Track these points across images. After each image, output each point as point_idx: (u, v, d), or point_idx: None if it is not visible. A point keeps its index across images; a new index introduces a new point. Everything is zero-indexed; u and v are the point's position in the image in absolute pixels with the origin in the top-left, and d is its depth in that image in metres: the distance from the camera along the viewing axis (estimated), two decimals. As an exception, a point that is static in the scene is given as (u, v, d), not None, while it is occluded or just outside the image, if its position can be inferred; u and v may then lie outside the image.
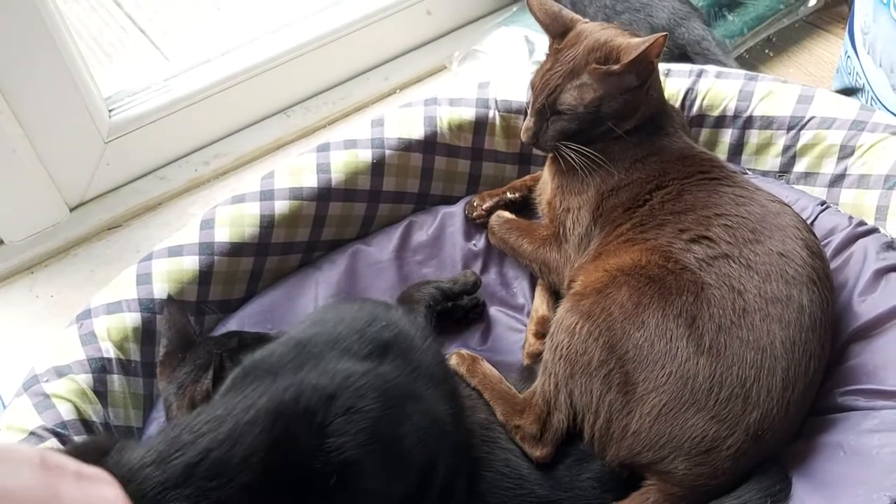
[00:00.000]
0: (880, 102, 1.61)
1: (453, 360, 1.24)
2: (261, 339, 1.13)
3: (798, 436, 1.14)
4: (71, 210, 1.82)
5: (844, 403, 1.15)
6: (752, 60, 2.03)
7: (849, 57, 1.72)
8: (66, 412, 1.14)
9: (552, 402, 1.14)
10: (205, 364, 1.10)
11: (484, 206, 1.49)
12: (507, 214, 1.46)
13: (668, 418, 1.07)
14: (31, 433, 1.11)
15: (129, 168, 1.87)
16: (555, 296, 1.37)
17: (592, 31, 1.29)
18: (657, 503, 1.08)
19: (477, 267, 1.48)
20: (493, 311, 1.45)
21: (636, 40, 1.24)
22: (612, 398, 1.10)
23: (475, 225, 1.51)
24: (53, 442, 1.10)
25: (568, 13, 1.33)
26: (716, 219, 1.18)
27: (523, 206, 1.49)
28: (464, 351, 1.28)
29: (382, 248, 1.49)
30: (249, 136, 1.97)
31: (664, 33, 1.21)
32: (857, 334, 1.19)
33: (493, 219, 1.46)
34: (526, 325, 1.41)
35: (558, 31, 1.31)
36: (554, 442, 1.14)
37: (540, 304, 1.40)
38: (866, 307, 1.20)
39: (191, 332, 1.19)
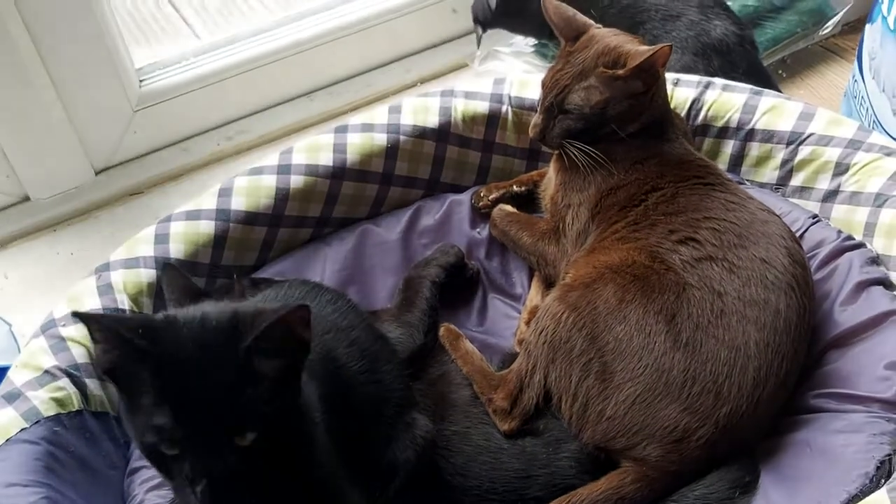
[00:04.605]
0: (881, 126, 1.65)
1: (441, 331, 1.35)
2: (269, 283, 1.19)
3: (770, 433, 1.19)
4: (96, 174, 1.90)
5: (816, 405, 1.20)
6: (765, 79, 2.07)
7: (856, 81, 1.77)
8: (80, 355, 1.20)
9: (525, 381, 1.21)
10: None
11: (490, 197, 1.54)
12: (508, 208, 1.52)
13: (642, 407, 1.13)
14: (46, 371, 1.17)
15: (155, 137, 1.95)
16: (549, 289, 1.41)
17: (604, 36, 1.34)
18: (633, 482, 1.13)
19: (480, 254, 1.54)
20: (492, 297, 1.51)
21: (643, 48, 1.30)
22: (590, 384, 1.16)
23: (481, 214, 1.56)
24: (66, 381, 1.16)
25: (581, 18, 1.38)
26: (705, 222, 1.23)
27: (528, 201, 1.55)
28: (452, 326, 1.36)
29: (390, 228, 1.54)
30: (273, 116, 2.04)
31: (670, 44, 1.26)
32: (836, 341, 1.24)
33: (496, 212, 1.51)
34: (520, 314, 1.46)
35: (571, 35, 1.36)
36: (522, 417, 1.20)
37: (535, 296, 1.46)
38: (846, 316, 1.25)
39: (195, 288, 1.24)
